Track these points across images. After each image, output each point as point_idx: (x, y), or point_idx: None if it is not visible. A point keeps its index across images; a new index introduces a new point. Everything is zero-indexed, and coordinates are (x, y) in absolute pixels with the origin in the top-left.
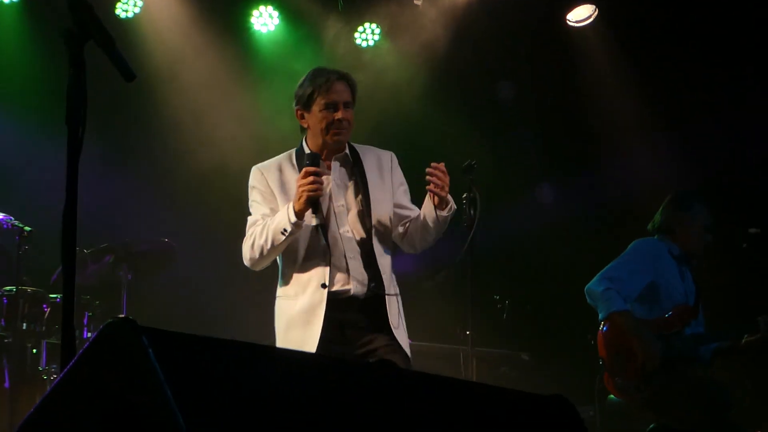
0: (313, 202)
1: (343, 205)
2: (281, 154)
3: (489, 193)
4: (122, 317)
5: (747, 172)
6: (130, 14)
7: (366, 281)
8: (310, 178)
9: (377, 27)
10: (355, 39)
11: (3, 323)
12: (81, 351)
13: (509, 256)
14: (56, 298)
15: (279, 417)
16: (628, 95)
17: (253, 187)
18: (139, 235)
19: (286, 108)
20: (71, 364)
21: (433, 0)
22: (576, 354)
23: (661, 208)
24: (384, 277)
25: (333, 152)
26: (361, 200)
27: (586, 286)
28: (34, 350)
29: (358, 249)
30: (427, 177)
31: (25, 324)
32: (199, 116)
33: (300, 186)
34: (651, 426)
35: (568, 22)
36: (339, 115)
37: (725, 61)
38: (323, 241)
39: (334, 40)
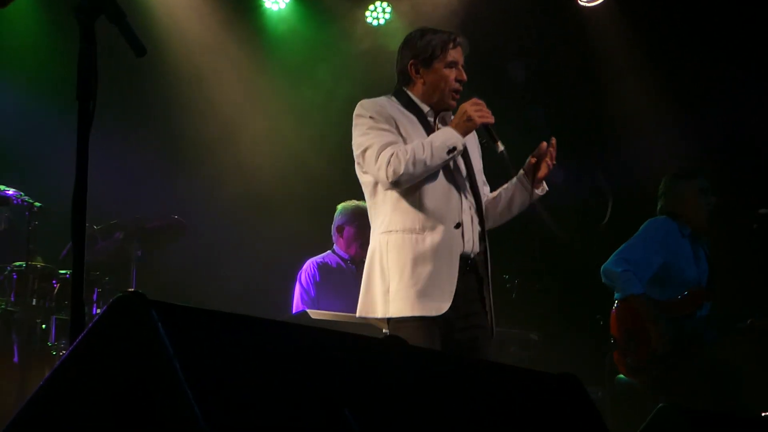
0: (473, 130)
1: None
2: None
3: (500, 173)
4: (132, 291)
5: (760, 153)
6: None
7: (480, 238)
8: (483, 106)
9: (388, 5)
10: (366, 17)
11: (13, 298)
12: (90, 324)
13: (519, 235)
14: (66, 273)
15: (288, 392)
16: (641, 75)
17: (372, 117)
18: (149, 211)
19: (295, 80)
20: (81, 337)
21: None
22: (585, 334)
23: (657, 197)
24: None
25: (439, 111)
26: (467, 164)
27: (603, 266)
28: (44, 325)
29: (473, 205)
30: (544, 150)
31: (34, 299)
32: (209, 89)
33: (477, 111)
34: (659, 406)
35: (579, 2)
36: (462, 75)
37: (740, 40)
38: (457, 180)
39: (345, 18)
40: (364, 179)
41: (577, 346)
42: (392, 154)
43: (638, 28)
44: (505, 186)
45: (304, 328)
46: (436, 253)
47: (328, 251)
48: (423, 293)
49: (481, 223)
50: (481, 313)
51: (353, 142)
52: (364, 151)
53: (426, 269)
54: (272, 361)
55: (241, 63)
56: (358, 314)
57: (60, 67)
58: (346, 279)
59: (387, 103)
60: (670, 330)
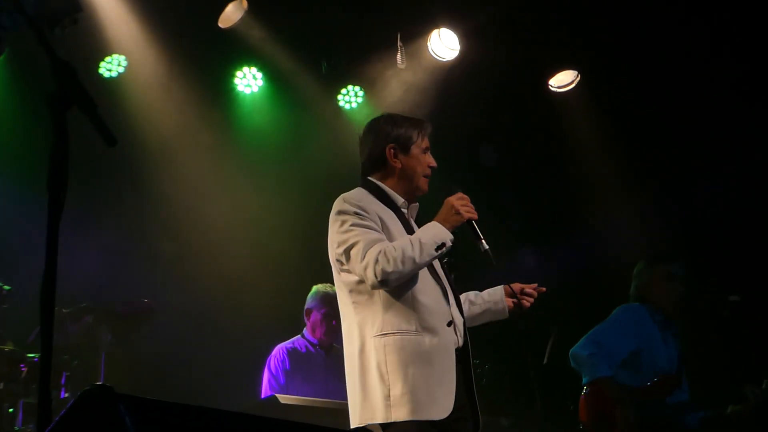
0: (459, 224)
1: None
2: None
3: (469, 257)
4: (99, 385)
5: (729, 238)
6: (114, 74)
7: (463, 331)
8: (468, 201)
9: (360, 89)
10: (339, 101)
11: None
12: (57, 419)
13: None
14: (34, 357)
15: None
16: (611, 160)
17: (357, 213)
18: (118, 295)
19: (266, 163)
20: (48, 431)
21: (417, 63)
22: (555, 420)
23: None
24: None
25: (412, 200)
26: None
27: (572, 350)
28: (11, 409)
29: (455, 299)
30: (527, 293)
31: (2, 383)
32: (180, 177)
33: (463, 206)
34: None
35: (550, 87)
36: (433, 161)
37: (707, 125)
38: (440, 276)
39: (317, 102)
40: (346, 279)
41: (548, 431)
42: (380, 252)
43: (608, 113)
44: (481, 297)
45: (273, 421)
46: (437, 354)
47: (298, 336)
48: (428, 396)
49: (462, 315)
50: (467, 405)
51: (333, 238)
52: (350, 248)
53: (428, 371)
54: None
55: (213, 146)
56: (359, 423)
57: (32, 149)
58: (315, 364)
59: (367, 196)
60: (636, 415)
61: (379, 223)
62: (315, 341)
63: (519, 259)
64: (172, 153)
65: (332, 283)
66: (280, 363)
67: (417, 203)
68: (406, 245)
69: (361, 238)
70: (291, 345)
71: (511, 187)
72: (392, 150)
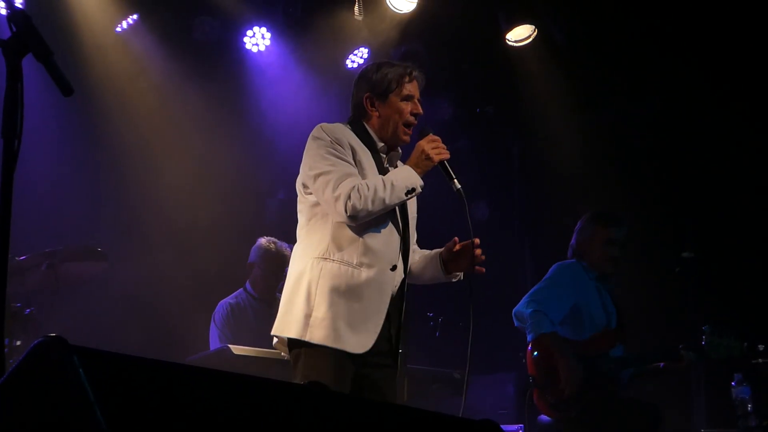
0: (431, 168)
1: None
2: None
3: (422, 210)
4: (53, 336)
5: (683, 194)
6: None
7: (403, 281)
8: (439, 142)
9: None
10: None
11: None
12: (10, 370)
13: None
14: None
15: None
16: (566, 114)
17: (332, 142)
18: (73, 243)
19: (217, 109)
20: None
21: (375, 15)
22: (508, 372)
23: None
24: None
25: (392, 147)
26: (404, 207)
27: (514, 309)
28: None
29: (405, 249)
30: (478, 252)
31: None
32: (137, 121)
33: (434, 149)
34: None
35: (507, 41)
36: (418, 108)
37: (662, 82)
38: (397, 222)
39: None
40: (306, 199)
41: (500, 383)
42: (353, 188)
43: (564, 68)
44: (426, 253)
45: (227, 374)
46: (370, 290)
47: (240, 289)
48: (348, 328)
49: (406, 268)
50: (389, 352)
51: (306, 161)
52: (319, 175)
53: (355, 305)
54: (194, 407)
55: (168, 94)
56: (273, 332)
57: None
58: (258, 317)
59: (345, 130)
60: (579, 370)
61: (352, 156)
62: (256, 295)
63: (471, 212)
64: (126, 101)
65: (278, 238)
66: (224, 318)
67: (399, 151)
68: (379, 185)
69: (335, 169)
70: (234, 300)
71: (467, 138)
72: (368, 99)
